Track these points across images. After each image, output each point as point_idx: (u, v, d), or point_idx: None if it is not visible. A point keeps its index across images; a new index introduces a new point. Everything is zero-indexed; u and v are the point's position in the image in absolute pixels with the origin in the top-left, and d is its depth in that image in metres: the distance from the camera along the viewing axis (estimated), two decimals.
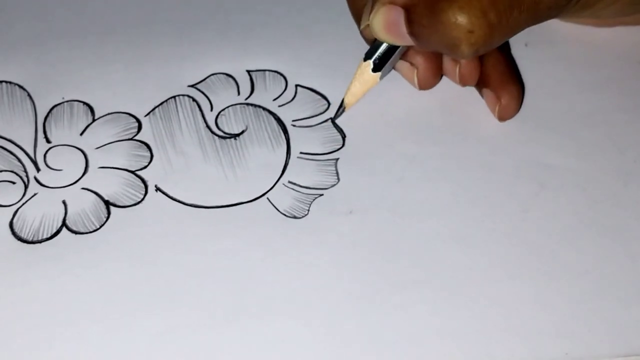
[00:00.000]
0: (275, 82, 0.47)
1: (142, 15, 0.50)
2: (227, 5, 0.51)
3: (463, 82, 0.45)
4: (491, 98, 0.45)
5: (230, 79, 0.47)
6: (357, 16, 0.44)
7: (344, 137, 0.45)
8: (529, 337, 0.38)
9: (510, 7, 0.38)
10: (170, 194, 0.42)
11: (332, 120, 0.44)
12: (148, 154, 0.44)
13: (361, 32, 0.43)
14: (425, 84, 0.45)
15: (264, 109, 0.46)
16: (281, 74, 0.47)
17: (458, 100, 0.46)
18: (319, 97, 0.46)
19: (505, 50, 0.47)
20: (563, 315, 0.38)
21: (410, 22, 0.39)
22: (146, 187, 0.43)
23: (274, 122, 0.45)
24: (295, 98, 0.46)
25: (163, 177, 0.43)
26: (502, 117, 0.45)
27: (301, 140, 0.45)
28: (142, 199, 0.42)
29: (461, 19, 0.38)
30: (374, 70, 0.43)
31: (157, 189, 0.43)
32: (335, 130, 0.45)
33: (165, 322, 0.38)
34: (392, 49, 0.42)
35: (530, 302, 0.39)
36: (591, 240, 0.41)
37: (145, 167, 0.44)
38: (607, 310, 0.39)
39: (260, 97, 0.46)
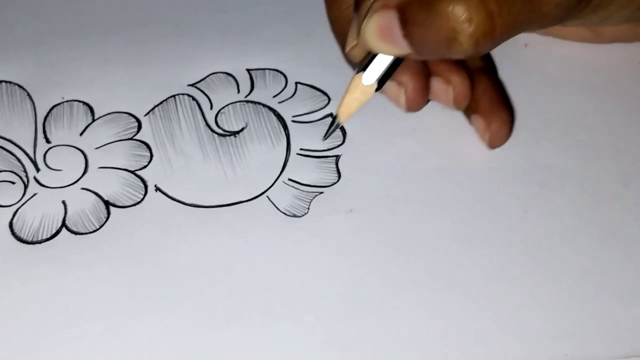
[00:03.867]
0: (275, 80, 0.47)
1: (142, 15, 0.50)
2: (227, 5, 0.51)
3: (457, 103, 0.43)
4: (481, 124, 0.43)
5: (230, 78, 0.47)
6: (342, 37, 0.42)
7: (344, 133, 0.45)
8: (528, 338, 0.38)
9: None
10: (170, 194, 0.42)
11: (324, 138, 0.43)
12: (148, 153, 0.44)
13: (346, 55, 0.42)
14: (413, 105, 0.43)
15: (263, 105, 0.46)
16: (281, 73, 0.47)
17: None
18: (319, 93, 0.46)
19: (494, 75, 0.46)
20: (563, 316, 0.38)
21: (404, 22, 0.38)
22: (146, 187, 0.43)
23: (274, 119, 0.45)
24: (295, 94, 0.46)
25: (163, 176, 0.43)
26: (492, 144, 0.43)
27: (301, 137, 0.45)
28: (142, 199, 0.42)
29: (458, 8, 0.36)
30: (370, 82, 0.41)
31: (157, 189, 0.43)
32: None
33: (166, 322, 0.38)
34: (386, 60, 0.40)
35: (530, 303, 0.39)
36: (591, 241, 0.41)
37: (145, 166, 0.43)
38: (606, 311, 0.38)
39: (260, 95, 0.46)
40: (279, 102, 0.46)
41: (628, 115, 0.46)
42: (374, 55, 0.40)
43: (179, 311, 0.38)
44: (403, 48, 0.39)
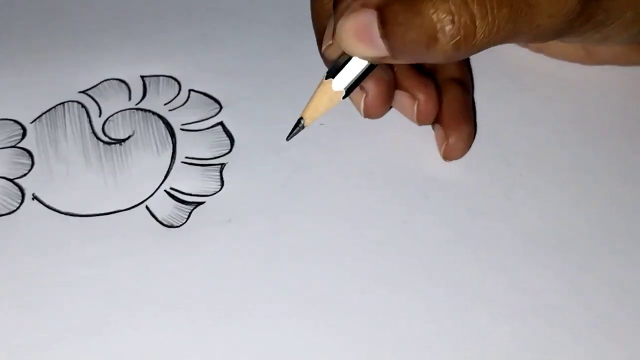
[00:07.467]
0: (168, 87, 0.46)
1: (37, 20, 0.50)
2: (125, 10, 0.50)
3: (420, 120, 0.43)
4: (440, 135, 0.43)
5: (122, 85, 0.46)
6: (320, 32, 0.41)
7: (232, 141, 0.44)
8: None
9: (499, 2, 0.35)
10: (47, 203, 0.42)
11: (287, 139, 0.41)
12: (29, 161, 0.43)
13: (322, 54, 0.40)
14: (372, 111, 0.42)
15: (153, 113, 0.45)
16: (175, 79, 0.47)
17: None
18: (211, 100, 0.46)
19: (466, 87, 0.45)
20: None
21: (384, 22, 0.36)
22: (23, 195, 0.42)
23: (162, 126, 0.45)
24: (187, 102, 0.46)
25: (42, 185, 0.42)
26: (447, 157, 0.43)
27: (188, 145, 0.44)
28: (17, 208, 0.41)
29: (441, 8, 0.35)
30: (339, 89, 0.39)
31: (34, 197, 0.42)
32: (224, 135, 0.44)
33: (27, 330, 0.37)
34: (358, 67, 0.39)
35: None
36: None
37: (25, 174, 0.43)
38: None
39: (151, 102, 0.46)
40: (170, 110, 0.45)
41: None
42: (346, 62, 0.39)
43: (41, 321, 0.38)
44: (380, 49, 0.37)
